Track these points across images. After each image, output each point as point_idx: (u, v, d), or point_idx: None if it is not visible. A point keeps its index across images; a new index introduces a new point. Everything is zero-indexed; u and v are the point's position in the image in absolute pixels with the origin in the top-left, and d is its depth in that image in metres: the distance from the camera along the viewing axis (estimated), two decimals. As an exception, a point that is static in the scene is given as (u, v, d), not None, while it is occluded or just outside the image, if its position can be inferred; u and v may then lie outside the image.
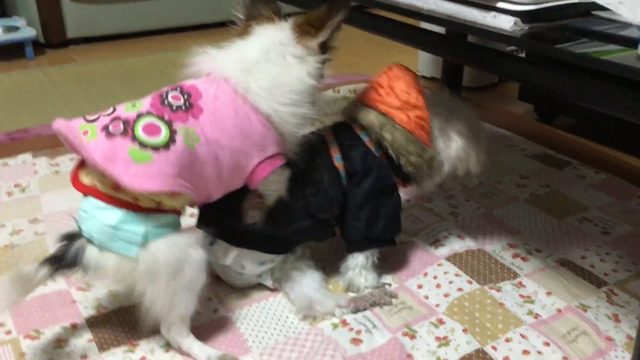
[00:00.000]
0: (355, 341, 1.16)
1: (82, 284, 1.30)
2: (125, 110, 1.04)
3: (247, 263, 1.22)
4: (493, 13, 1.02)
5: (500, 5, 1.01)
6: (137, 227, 1.01)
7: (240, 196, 1.16)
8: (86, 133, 1.00)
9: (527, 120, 2.27)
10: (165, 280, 1.03)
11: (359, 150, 1.24)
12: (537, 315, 1.23)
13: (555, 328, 1.19)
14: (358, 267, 1.27)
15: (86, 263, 1.02)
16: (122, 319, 1.21)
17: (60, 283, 1.31)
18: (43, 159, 1.87)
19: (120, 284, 1.13)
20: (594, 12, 1.05)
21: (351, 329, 1.19)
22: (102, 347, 1.15)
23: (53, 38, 3.13)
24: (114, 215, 1.00)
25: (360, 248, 1.27)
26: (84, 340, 1.16)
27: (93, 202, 1.02)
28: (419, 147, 1.23)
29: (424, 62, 2.73)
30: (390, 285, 1.30)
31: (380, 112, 1.23)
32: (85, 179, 1.04)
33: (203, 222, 1.22)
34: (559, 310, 1.24)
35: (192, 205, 1.14)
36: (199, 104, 1.06)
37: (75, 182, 1.05)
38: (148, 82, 2.55)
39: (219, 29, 3.52)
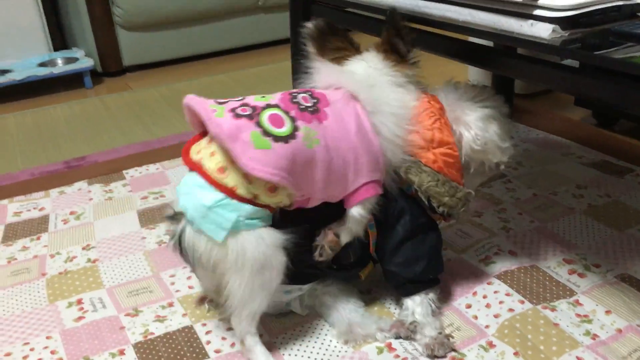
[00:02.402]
0: (401, 366, 1.12)
1: (131, 309, 1.33)
2: (255, 100, 1.08)
3: (288, 290, 1.20)
4: (530, 21, 0.97)
5: (538, 12, 0.96)
6: (230, 213, 1.02)
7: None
8: (214, 111, 1.03)
9: (584, 126, 2.17)
10: (250, 274, 1.05)
11: (388, 193, 1.15)
12: (595, 336, 1.16)
13: (615, 349, 1.12)
14: (410, 315, 1.18)
15: (185, 245, 1.05)
16: (168, 344, 1.22)
17: (110, 309, 1.33)
18: (97, 186, 1.92)
19: (212, 274, 1.12)
20: (640, 14, 0.99)
21: (397, 356, 1.15)
22: (148, 373, 1.16)
23: (110, 67, 3.25)
24: (211, 196, 1.02)
25: (406, 293, 1.20)
26: (131, 367, 1.18)
27: (195, 179, 1.04)
28: (451, 187, 1.14)
29: (474, 70, 2.66)
30: (453, 337, 1.18)
31: (404, 153, 1.14)
32: (195, 155, 1.06)
33: None
34: (619, 330, 1.17)
35: (286, 207, 1.12)
36: (325, 111, 1.08)
37: (185, 155, 1.08)
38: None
39: (263, 49, 3.58)
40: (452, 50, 1.31)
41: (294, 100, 1.08)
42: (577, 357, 1.11)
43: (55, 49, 3.32)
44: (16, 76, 2.89)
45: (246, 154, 0.99)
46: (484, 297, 1.29)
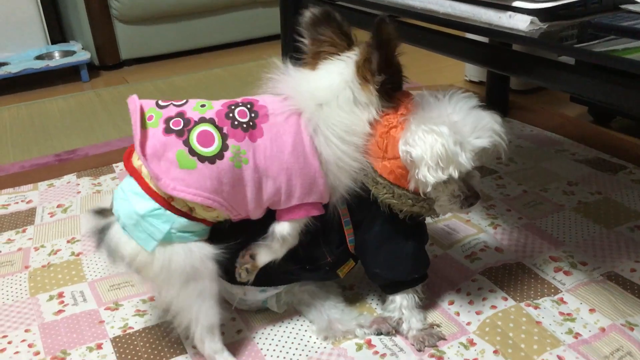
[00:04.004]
0: (379, 363, 1.11)
1: (111, 303, 1.32)
2: (193, 109, 1.04)
3: (248, 291, 1.19)
4: (509, 13, 0.96)
5: (516, 4, 0.95)
6: (163, 224, 1.01)
7: (233, 234, 1.09)
8: (151, 118, 1.01)
9: (580, 123, 2.14)
10: (180, 286, 1.04)
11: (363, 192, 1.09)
12: (577, 335, 1.14)
13: (597, 348, 1.10)
14: (397, 309, 1.17)
15: (108, 241, 1.04)
16: (146, 339, 1.21)
17: (90, 303, 1.33)
18: (86, 179, 1.91)
19: (134, 274, 1.12)
20: (623, 6, 0.96)
21: (376, 352, 1.14)
22: (125, 368, 1.15)
23: (107, 60, 3.24)
24: (146, 205, 1.01)
25: (390, 291, 1.18)
26: (108, 361, 1.17)
27: (132, 185, 1.03)
28: (408, 198, 1.06)
29: (471, 66, 2.64)
30: (439, 326, 1.19)
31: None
32: (137, 161, 1.04)
33: None
34: (603, 329, 1.15)
35: (228, 219, 1.10)
36: (261, 127, 1.03)
37: (127, 159, 1.06)
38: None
39: (261, 44, 3.56)
40: (447, 47, 1.29)
41: (230, 115, 1.03)
42: (557, 356, 1.09)
43: (53, 42, 3.31)
44: (12, 69, 2.89)
45: (169, 173, 0.98)
46: (468, 294, 1.27)
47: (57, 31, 3.49)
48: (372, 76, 1.03)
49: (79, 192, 1.84)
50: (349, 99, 1.04)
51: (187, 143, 0.99)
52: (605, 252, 1.38)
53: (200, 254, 1.04)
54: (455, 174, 1.02)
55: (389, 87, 1.04)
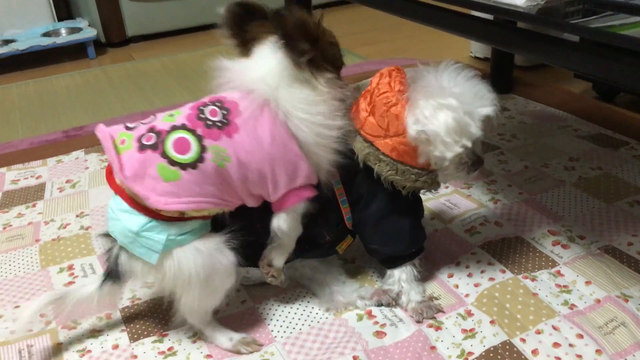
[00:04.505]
0: (379, 334, 1.14)
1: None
2: (162, 120, 1.04)
3: (250, 270, 1.22)
4: (507, -11, 0.97)
5: (515, -20, 0.95)
6: (158, 235, 1.01)
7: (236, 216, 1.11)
8: (123, 142, 1.01)
9: (584, 99, 2.15)
10: (198, 289, 1.05)
11: (360, 171, 1.13)
12: (572, 306, 1.16)
13: (592, 319, 1.13)
14: (396, 283, 1.20)
15: (122, 269, 1.06)
16: (154, 310, 1.25)
17: (99, 275, 1.36)
18: (94, 155, 1.95)
19: (158, 288, 1.14)
20: (620, -18, 0.97)
21: (376, 322, 1.17)
22: (133, 337, 1.18)
23: (113, 37, 3.26)
24: (136, 221, 1.01)
25: (389, 266, 1.21)
26: (117, 331, 1.21)
27: (120, 203, 1.03)
28: (411, 174, 1.09)
29: (477, 43, 2.63)
30: (437, 298, 1.22)
31: (364, 139, 1.10)
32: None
33: None
34: (598, 301, 1.17)
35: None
36: (235, 122, 1.02)
37: (109, 177, 1.06)
38: (199, 77, 2.59)
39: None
40: (452, 24, 1.30)
41: (201, 115, 1.02)
42: (552, 326, 1.12)
43: (59, 19, 3.32)
44: (19, 46, 2.91)
45: (156, 190, 0.98)
46: (467, 266, 1.30)
47: (64, 8, 3.51)
48: (298, 58, 1.01)
49: (87, 168, 1.87)
50: (291, 77, 1.03)
51: (164, 155, 0.99)
52: (603, 227, 1.40)
53: (209, 248, 1.05)
54: (470, 144, 1.05)
55: (323, 62, 1.03)
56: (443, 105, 1.02)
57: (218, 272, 1.06)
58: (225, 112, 1.03)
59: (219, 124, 1.02)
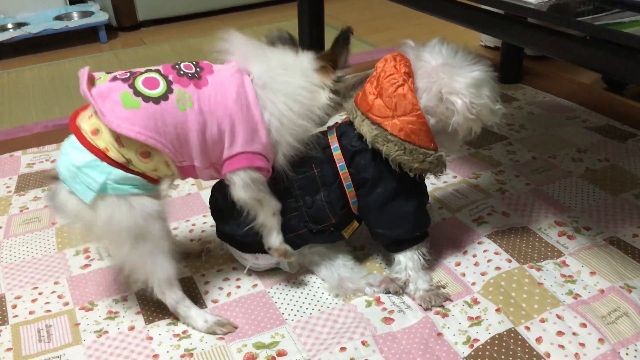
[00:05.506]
0: (387, 320, 1.17)
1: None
2: (140, 71, 1.10)
3: (260, 257, 1.26)
4: (520, -15, 0.98)
5: (527, -24, 0.97)
6: (99, 175, 1.04)
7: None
8: (99, 79, 1.07)
9: (592, 90, 2.16)
10: (128, 246, 1.09)
11: (366, 155, 1.17)
12: (577, 296, 1.19)
13: (595, 309, 1.16)
14: (403, 271, 1.22)
15: (57, 201, 1.09)
16: (168, 293, 1.28)
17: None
18: (107, 140, 1.97)
19: (86, 232, 1.17)
20: (631, -20, 0.98)
21: (384, 309, 1.20)
22: (149, 319, 1.22)
23: (125, 21, 3.27)
24: (82, 157, 1.05)
25: (394, 250, 1.24)
26: (132, 312, 1.24)
27: (72, 141, 1.07)
28: (419, 154, 1.12)
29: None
30: (444, 287, 1.25)
31: (372, 122, 1.13)
32: (78, 119, 1.09)
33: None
34: (602, 291, 1.20)
35: (170, 177, 1.16)
36: (206, 78, 1.10)
37: (72, 120, 1.10)
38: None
39: (279, 5, 3.55)
40: (462, 17, 1.32)
41: (176, 66, 1.10)
42: (557, 315, 1.15)
43: (72, 3, 3.34)
44: (32, 29, 2.93)
45: (113, 112, 1.02)
46: (474, 255, 1.32)
47: (75, -8, 3.52)
48: (334, 68, 1.17)
49: (100, 153, 1.90)
50: (300, 72, 1.14)
51: (132, 86, 1.05)
52: (609, 218, 1.42)
53: (142, 211, 1.08)
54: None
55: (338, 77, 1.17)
56: (473, 78, 1.11)
57: (150, 233, 1.09)
58: (199, 69, 1.11)
59: (190, 75, 1.09)
